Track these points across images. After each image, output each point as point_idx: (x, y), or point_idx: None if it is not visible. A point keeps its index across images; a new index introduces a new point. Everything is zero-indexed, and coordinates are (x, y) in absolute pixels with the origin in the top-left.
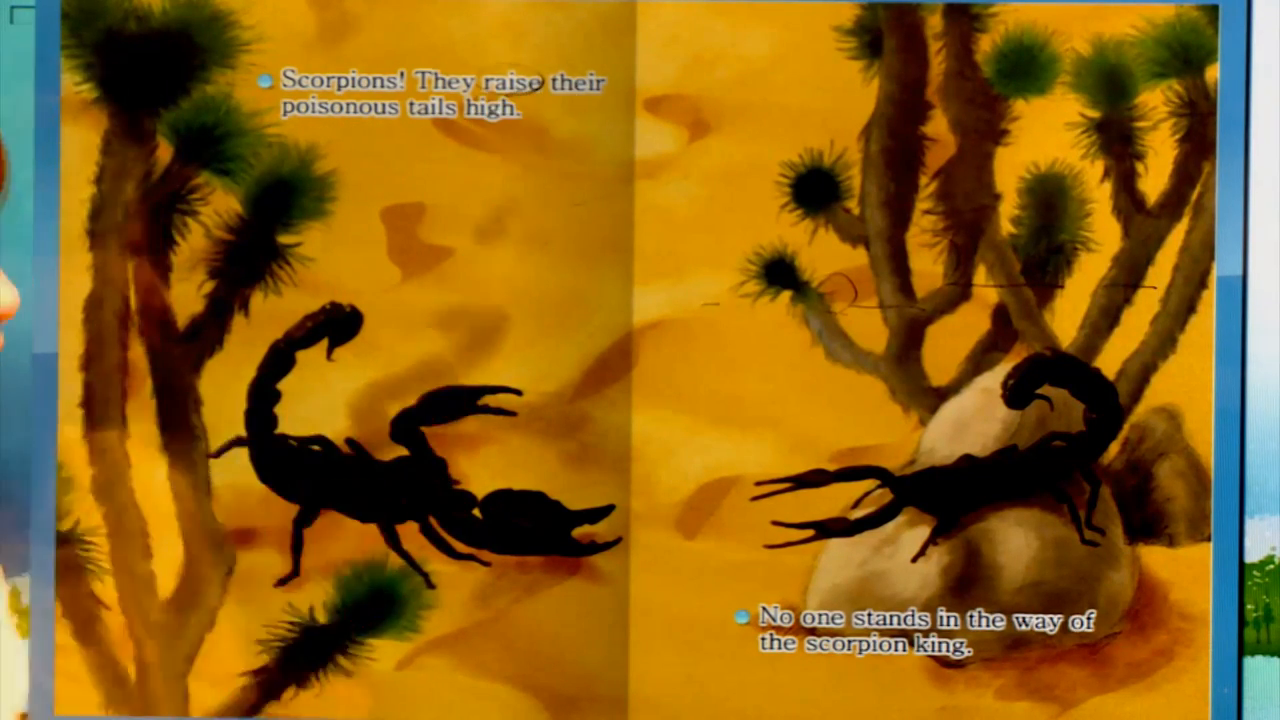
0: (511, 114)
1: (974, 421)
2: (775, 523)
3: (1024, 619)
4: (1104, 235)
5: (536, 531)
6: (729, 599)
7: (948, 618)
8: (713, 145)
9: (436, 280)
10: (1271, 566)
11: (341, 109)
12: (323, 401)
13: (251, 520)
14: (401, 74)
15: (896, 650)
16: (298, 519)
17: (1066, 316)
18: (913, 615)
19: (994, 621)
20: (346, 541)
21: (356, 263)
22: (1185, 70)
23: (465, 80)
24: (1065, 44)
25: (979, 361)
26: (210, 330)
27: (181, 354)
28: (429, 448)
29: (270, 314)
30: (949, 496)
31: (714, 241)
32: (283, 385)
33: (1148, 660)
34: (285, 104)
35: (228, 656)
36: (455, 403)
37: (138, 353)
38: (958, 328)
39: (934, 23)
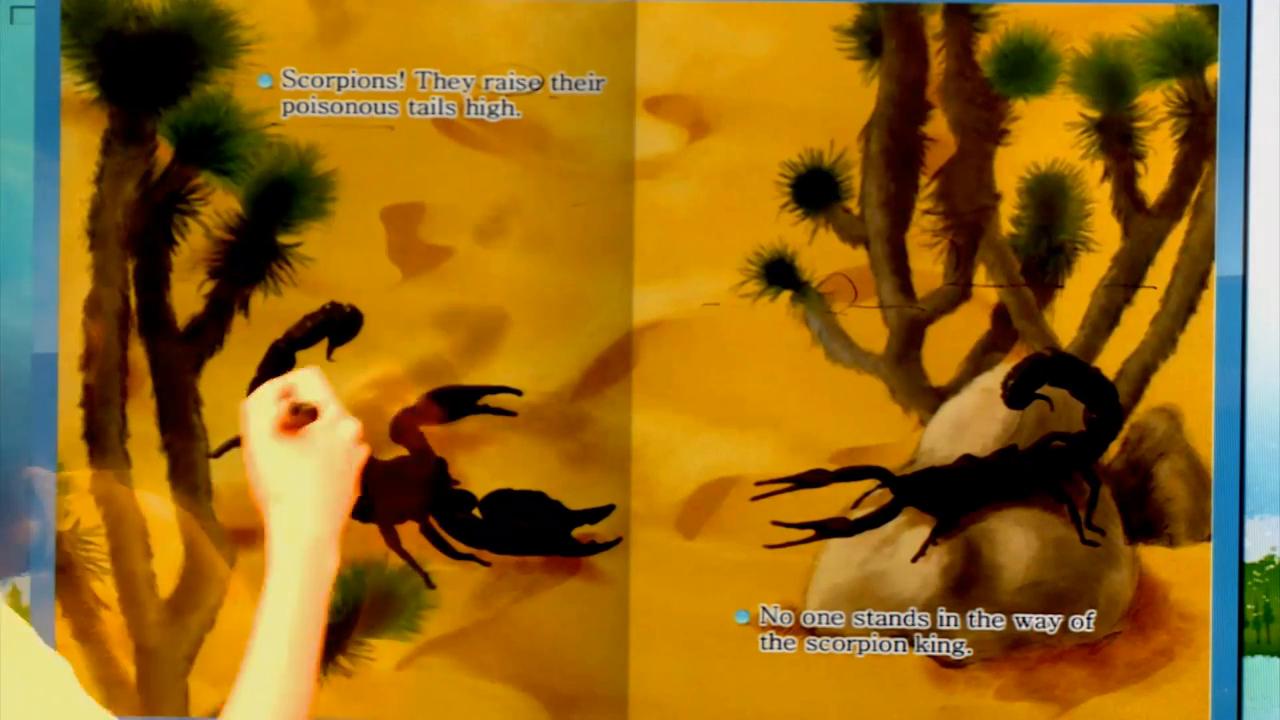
0: (511, 114)
1: (974, 421)
2: (775, 523)
3: (1024, 619)
4: (1104, 235)
5: (536, 531)
6: (729, 599)
7: (948, 618)
8: (713, 145)
9: (436, 280)
10: (1271, 566)
11: (341, 109)
12: None
13: (251, 520)
14: (401, 74)
15: (896, 650)
16: None
17: (1066, 316)
18: (913, 615)
19: (994, 621)
20: (346, 542)
21: (356, 263)
22: (1185, 70)
23: (465, 80)
24: (1065, 44)
25: (979, 361)
26: (210, 330)
27: (181, 354)
28: (429, 448)
29: (270, 314)
30: (949, 496)
31: (714, 241)
32: None
33: (1148, 660)
34: (285, 104)
35: (228, 656)
36: (455, 403)
37: (138, 353)
38: (958, 328)
39: (934, 23)
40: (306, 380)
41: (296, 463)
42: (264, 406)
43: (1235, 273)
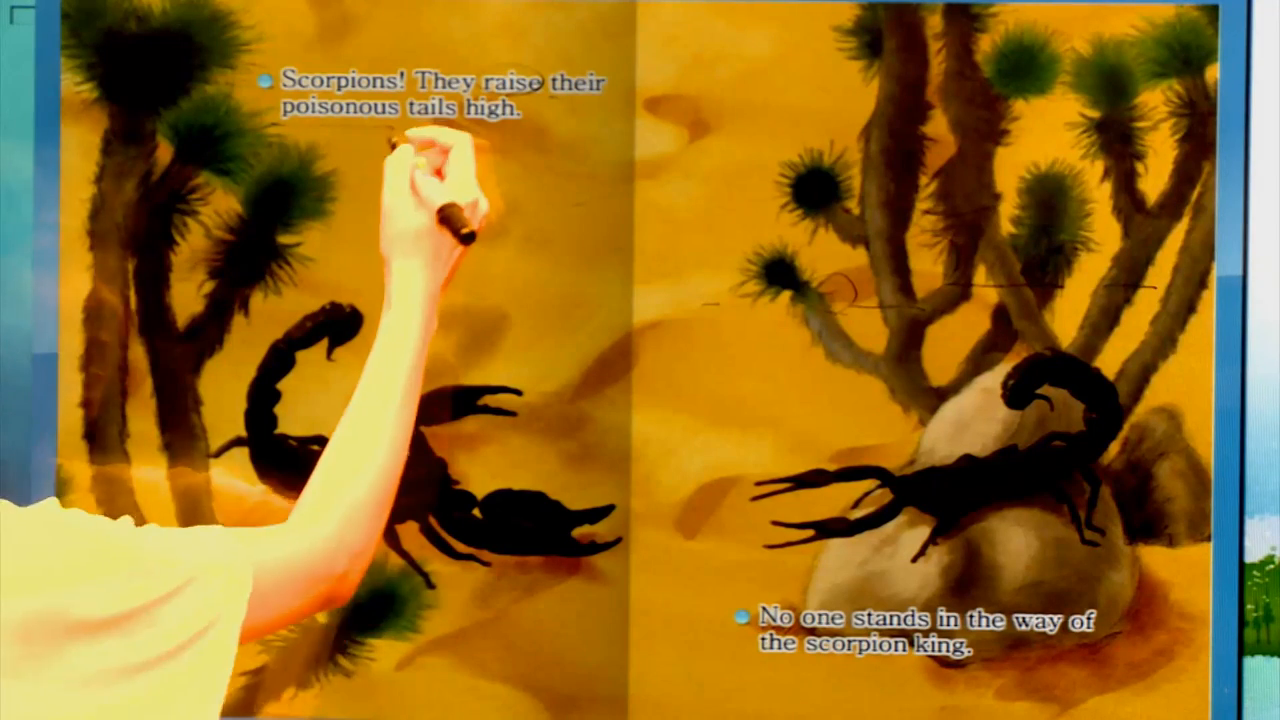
0: (511, 114)
1: (974, 421)
2: (775, 523)
3: (1024, 619)
4: (1104, 235)
5: (536, 531)
6: (729, 599)
7: (948, 618)
8: (713, 145)
9: None
10: (1271, 566)
11: (341, 109)
12: (323, 401)
13: (251, 520)
14: (401, 74)
15: (896, 650)
16: None
17: (1066, 316)
18: (913, 615)
19: (994, 621)
20: None
21: (356, 263)
22: (1185, 70)
23: (465, 80)
24: (1065, 44)
25: (979, 361)
26: (210, 330)
27: (181, 354)
28: (429, 448)
29: (270, 314)
30: (949, 496)
31: (714, 241)
32: (283, 385)
33: (1148, 660)
34: (285, 104)
35: None
36: (455, 403)
37: (138, 353)
38: (958, 328)
39: (934, 23)
40: (459, 155)
41: (423, 226)
42: (404, 162)
43: (1235, 273)
